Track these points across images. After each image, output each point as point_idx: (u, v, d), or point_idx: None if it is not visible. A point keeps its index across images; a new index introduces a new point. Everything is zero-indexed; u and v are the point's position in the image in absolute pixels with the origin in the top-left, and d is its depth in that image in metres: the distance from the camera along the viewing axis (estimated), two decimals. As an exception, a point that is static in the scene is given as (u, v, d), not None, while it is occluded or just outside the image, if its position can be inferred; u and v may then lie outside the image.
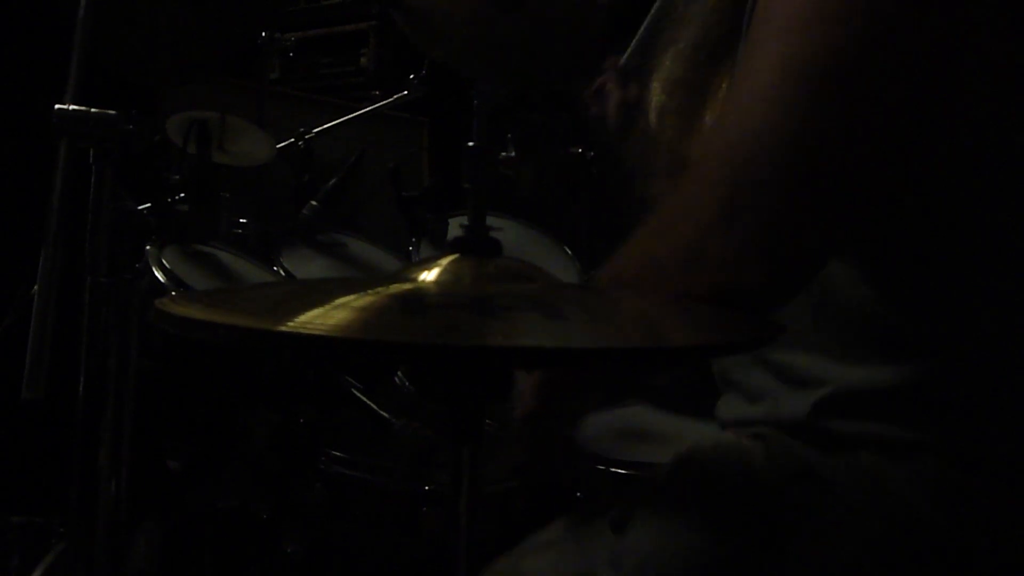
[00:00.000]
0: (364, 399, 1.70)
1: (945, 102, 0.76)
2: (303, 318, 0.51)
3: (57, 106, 1.20)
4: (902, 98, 0.74)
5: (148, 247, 1.63)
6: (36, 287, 1.18)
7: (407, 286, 0.63)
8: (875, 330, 0.82)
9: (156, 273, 1.59)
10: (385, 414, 1.68)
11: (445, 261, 0.67)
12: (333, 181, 1.95)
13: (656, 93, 1.49)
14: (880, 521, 0.80)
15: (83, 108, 1.21)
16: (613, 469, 1.47)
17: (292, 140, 2.16)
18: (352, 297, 0.57)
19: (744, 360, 0.91)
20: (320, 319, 0.51)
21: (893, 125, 0.74)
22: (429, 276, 0.65)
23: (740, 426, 0.92)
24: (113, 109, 1.24)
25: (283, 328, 0.49)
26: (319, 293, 0.60)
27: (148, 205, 1.67)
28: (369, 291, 0.59)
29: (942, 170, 0.78)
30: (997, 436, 0.80)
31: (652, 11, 1.50)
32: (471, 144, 0.71)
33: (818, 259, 0.77)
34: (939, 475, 0.79)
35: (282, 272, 1.79)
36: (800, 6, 0.74)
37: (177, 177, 1.73)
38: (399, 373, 1.75)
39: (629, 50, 1.53)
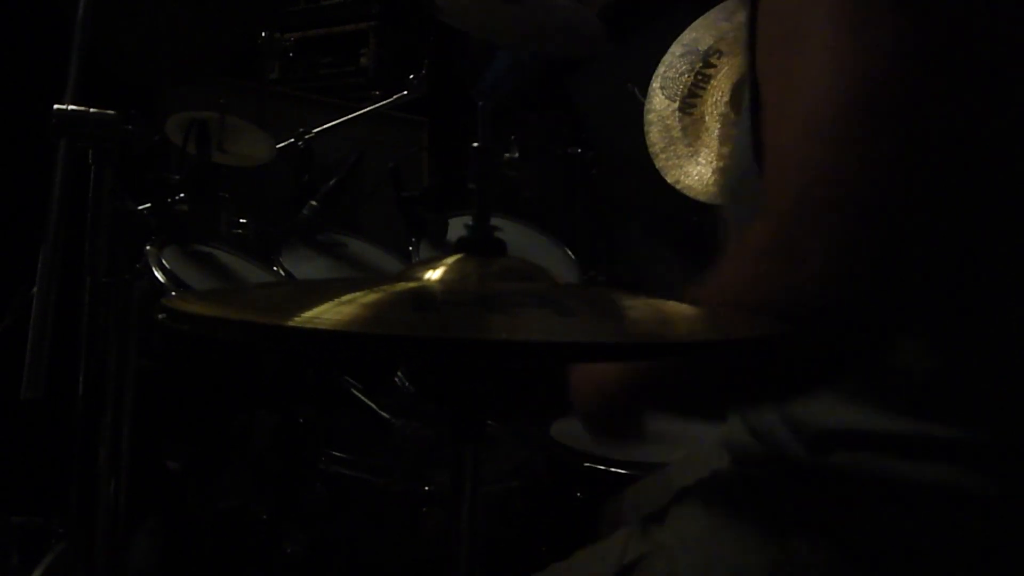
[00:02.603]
0: (364, 399, 1.70)
1: (993, 127, 0.74)
2: (311, 313, 0.51)
3: (56, 106, 1.20)
4: (952, 125, 0.72)
5: (148, 247, 1.63)
6: (36, 287, 1.17)
7: (413, 284, 0.63)
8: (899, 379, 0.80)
9: (156, 273, 1.59)
10: (385, 414, 1.68)
11: (450, 260, 0.67)
12: (333, 181, 1.95)
13: (656, 94, 1.50)
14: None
15: (82, 108, 1.21)
16: (613, 469, 1.47)
17: (292, 140, 2.16)
18: (359, 294, 0.57)
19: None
20: (328, 314, 0.51)
21: (946, 155, 0.72)
22: (434, 275, 0.65)
23: (743, 462, 0.91)
24: (113, 109, 1.24)
25: (292, 323, 0.49)
26: (326, 290, 0.60)
27: (148, 205, 1.67)
28: (375, 289, 0.59)
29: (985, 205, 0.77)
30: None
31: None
32: (476, 144, 0.71)
33: (878, 301, 0.74)
34: (955, 525, 0.78)
35: (282, 272, 1.79)
36: (833, 37, 0.72)
37: (177, 177, 1.73)
38: (399, 373, 1.75)
39: None
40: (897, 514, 0.80)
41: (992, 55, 0.73)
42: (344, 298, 0.55)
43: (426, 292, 0.62)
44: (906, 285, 0.74)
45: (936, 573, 0.79)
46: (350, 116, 2.28)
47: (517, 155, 2.17)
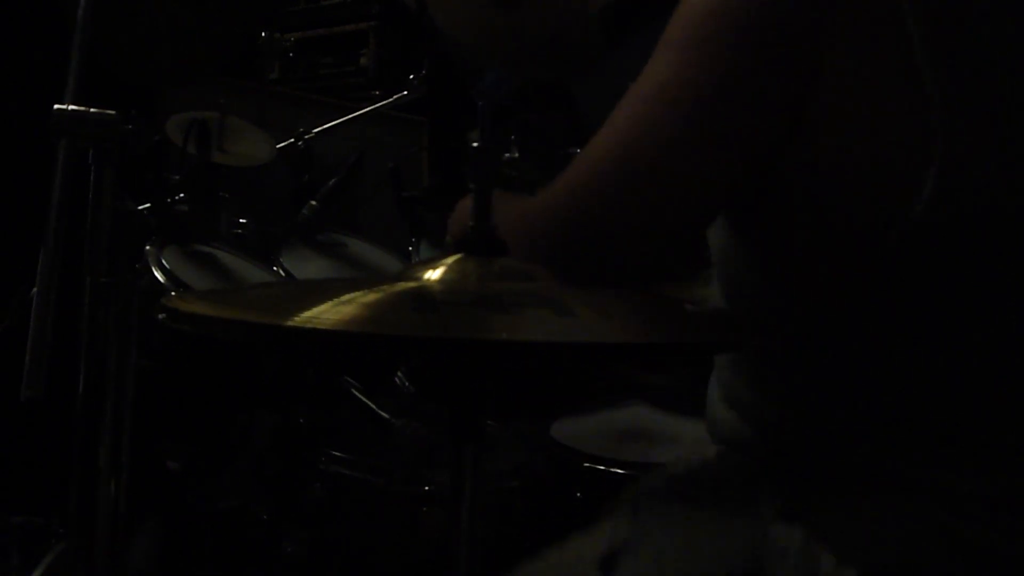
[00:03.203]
0: (364, 399, 1.70)
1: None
2: (310, 313, 0.51)
3: (56, 106, 1.20)
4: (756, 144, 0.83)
5: (148, 247, 1.63)
6: (36, 287, 1.17)
7: (412, 284, 0.63)
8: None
9: (156, 273, 1.59)
10: (385, 414, 1.68)
11: (450, 260, 0.67)
12: (333, 181, 1.95)
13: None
14: (867, 561, 0.81)
15: (82, 108, 1.21)
16: (613, 469, 1.47)
17: (292, 140, 2.16)
18: (359, 293, 0.57)
19: (739, 382, 0.93)
20: (328, 314, 0.51)
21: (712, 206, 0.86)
22: (434, 275, 0.65)
23: (731, 446, 0.94)
24: (113, 109, 1.24)
25: (291, 323, 0.49)
26: (325, 290, 0.60)
27: (148, 205, 1.67)
28: (375, 289, 0.59)
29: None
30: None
31: None
32: (476, 144, 0.71)
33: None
34: (931, 516, 0.81)
35: (282, 272, 1.79)
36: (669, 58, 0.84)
37: (177, 177, 1.73)
38: (399, 373, 1.75)
39: None
40: (869, 500, 0.83)
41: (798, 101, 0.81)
42: (343, 298, 0.55)
43: (426, 292, 0.62)
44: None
45: (910, 565, 0.81)
46: (350, 116, 2.28)
47: (517, 155, 2.17)
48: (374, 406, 1.69)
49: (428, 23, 1.49)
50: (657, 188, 0.83)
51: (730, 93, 0.81)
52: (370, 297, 0.57)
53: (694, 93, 0.82)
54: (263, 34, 2.39)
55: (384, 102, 2.29)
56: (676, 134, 0.82)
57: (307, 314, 0.51)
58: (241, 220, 2.03)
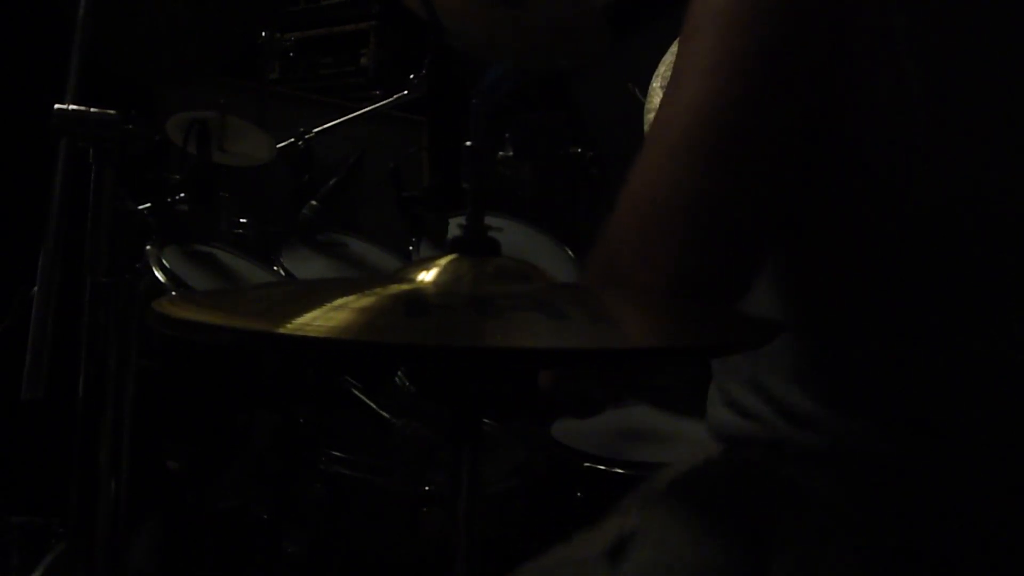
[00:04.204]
0: (364, 399, 1.70)
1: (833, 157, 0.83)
2: (302, 319, 0.51)
3: (57, 106, 1.20)
4: (787, 158, 0.82)
5: (148, 247, 1.63)
6: (36, 287, 1.17)
7: (406, 286, 0.63)
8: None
9: (156, 273, 1.59)
10: (385, 414, 1.68)
11: (444, 261, 0.67)
12: (333, 181, 1.95)
13: (656, 94, 1.50)
14: (869, 540, 0.82)
15: (83, 108, 1.21)
16: (613, 469, 1.47)
17: (292, 140, 2.16)
18: (352, 298, 0.57)
19: (740, 380, 0.93)
20: (320, 320, 0.51)
21: (780, 186, 0.83)
22: (428, 276, 0.65)
23: (732, 442, 0.94)
24: (113, 109, 1.24)
25: (283, 330, 0.49)
26: (318, 294, 0.60)
27: (148, 205, 1.67)
28: (368, 292, 0.59)
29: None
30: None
31: None
32: (469, 144, 0.71)
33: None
34: (930, 493, 0.82)
35: (282, 272, 1.79)
36: (705, 53, 0.83)
37: (177, 177, 1.73)
38: (399, 373, 1.75)
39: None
40: (877, 491, 0.84)
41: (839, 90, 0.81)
42: (336, 303, 0.54)
43: (419, 296, 0.61)
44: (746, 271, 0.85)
45: (915, 549, 0.82)
46: (350, 116, 2.28)
47: (511, 153, 2.17)
48: (374, 406, 1.69)
49: (432, 21, 1.49)
50: (710, 212, 0.82)
51: (763, 108, 0.82)
52: (363, 302, 0.57)
53: (734, 113, 0.81)
54: (263, 34, 2.39)
55: (384, 102, 2.28)
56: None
57: (299, 321, 0.51)
58: (241, 220, 2.03)
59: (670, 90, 0.86)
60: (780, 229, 0.86)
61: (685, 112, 0.82)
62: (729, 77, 0.81)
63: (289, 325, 0.50)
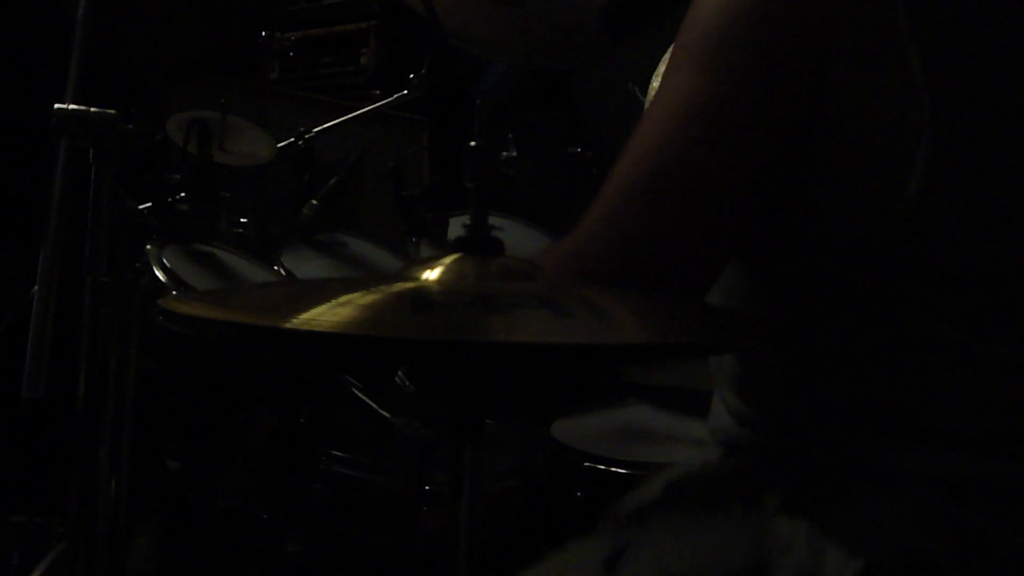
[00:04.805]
0: (364, 399, 1.70)
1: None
2: (308, 315, 0.51)
3: (57, 106, 1.20)
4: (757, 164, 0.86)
5: (148, 247, 1.63)
6: (36, 287, 1.17)
7: (410, 284, 0.63)
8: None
9: (156, 273, 1.59)
10: (385, 414, 1.68)
11: (448, 260, 0.67)
12: (333, 181, 1.95)
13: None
14: (873, 552, 0.82)
15: (83, 108, 1.21)
16: (613, 469, 1.47)
17: (292, 140, 2.16)
18: (356, 295, 0.57)
19: (734, 387, 0.94)
20: (325, 316, 0.51)
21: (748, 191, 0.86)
22: (432, 275, 0.65)
23: (729, 447, 0.94)
24: (113, 109, 1.24)
25: (289, 325, 0.49)
26: (323, 291, 0.60)
27: (148, 205, 1.67)
28: (373, 290, 0.59)
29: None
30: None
31: None
32: (472, 143, 0.71)
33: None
34: (934, 506, 0.82)
35: (282, 272, 1.79)
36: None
37: (177, 177, 1.73)
38: (400, 373, 1.75)
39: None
40: (871, 492, 0.84)
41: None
42: (341, 299, 0.55)
43: (424, 293, 0.61)
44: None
45: (915, 554, 0.82)
46: (350, 116, 2.27)
47: (515, 154, 2.17)
48: (374, 406, 1.69)
49: (432, 21, 1.49)
50: (689, 206, 0.85)
51: (747, 107, 0.85)
52: (368, 298, 0.57)
53: (717, 111, 0.85)
54: (263, 34, 2.39)
55: (384, 102, 2.28)
56: (704, 150, 0.85)
57: (304, 316, 0.51)
58: (241, 220, 2.03)
59: (664, 79, 0.90)
60: (755, 230, 0.88)
61: (666, 118, 0.87)
62: (711, 81, 0.84)
63: (294, 320, 0.50)
